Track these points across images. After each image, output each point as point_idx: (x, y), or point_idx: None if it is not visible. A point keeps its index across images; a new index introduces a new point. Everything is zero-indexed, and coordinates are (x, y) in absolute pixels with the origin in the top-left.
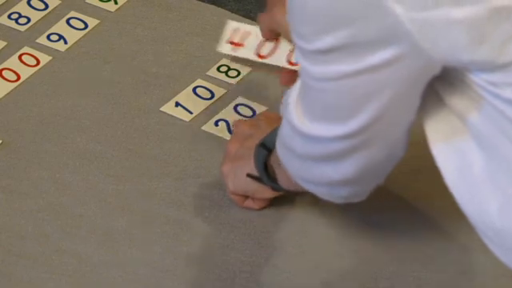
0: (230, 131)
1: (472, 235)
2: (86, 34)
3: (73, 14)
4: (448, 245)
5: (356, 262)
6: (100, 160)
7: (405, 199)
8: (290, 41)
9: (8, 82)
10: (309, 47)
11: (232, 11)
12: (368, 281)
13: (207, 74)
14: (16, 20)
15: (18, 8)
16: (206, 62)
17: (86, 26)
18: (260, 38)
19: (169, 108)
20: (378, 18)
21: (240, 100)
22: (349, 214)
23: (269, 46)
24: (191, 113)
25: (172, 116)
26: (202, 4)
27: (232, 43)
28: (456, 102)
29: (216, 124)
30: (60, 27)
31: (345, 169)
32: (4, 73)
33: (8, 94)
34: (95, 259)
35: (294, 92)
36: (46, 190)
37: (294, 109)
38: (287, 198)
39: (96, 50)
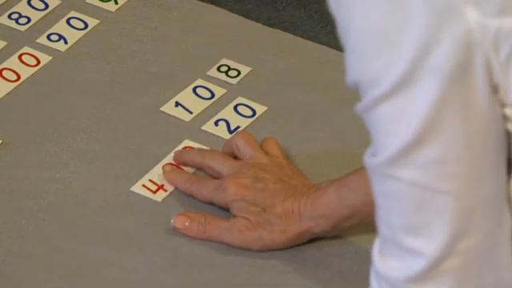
0: (229, 131)
1: None
2: (86, 34)
3: (73, 13)
4: None
5: (356, 262)
6: (100, 160)
7: None
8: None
9: (8, 82)
10: (376, 92)
11: (232, 11)
12: (369, 281)
13: (207, 73)
14: (16, 20)
15: (18, 8)
16: (206, 61)
17: (86, 25)
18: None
19: (169, 108)
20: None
21: (240, 100)
22: None
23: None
24: (191, 113)
25: (172, 116)
26: (202, 4)
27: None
28: None
29: (216, 124)
30: (60, 27)
31: None
32: (4, 73)
33: (8, 93)
34: (95, 259)
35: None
36: (46, 190)
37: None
38: None
39: (96, 49)
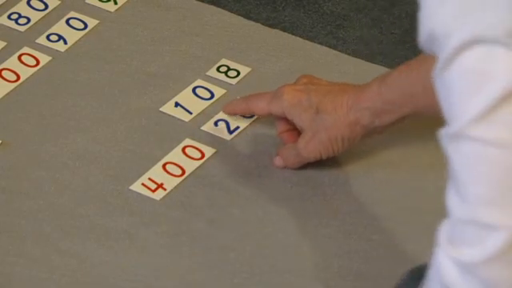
0: (229, 131)
1: None
2: (85, 35)
3: (72, 14)
4: None
5: (356, 262)
6: (100, 160)
7: (406, 200)
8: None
9: (8, 83)
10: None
11: (231, 11)
12: (369, 281)
13: (207, 74)
14: (16, 20)
15: (17, 8)
16: (206, 62)
17: (86, 26)
18: None
19: (168, 108)
20: None
21: None
22: (349, 214)
23: None
24: (191, 113)
25: (172, 116)
26: (202, 4)
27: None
28: None
29: (216, 124)
30: (60, 27)
31: None
32: (4, 73)
33: (8, 94)
34: (95, 259)
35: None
36: (46, 190)
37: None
38: (286, 199)
39: (96, 50)
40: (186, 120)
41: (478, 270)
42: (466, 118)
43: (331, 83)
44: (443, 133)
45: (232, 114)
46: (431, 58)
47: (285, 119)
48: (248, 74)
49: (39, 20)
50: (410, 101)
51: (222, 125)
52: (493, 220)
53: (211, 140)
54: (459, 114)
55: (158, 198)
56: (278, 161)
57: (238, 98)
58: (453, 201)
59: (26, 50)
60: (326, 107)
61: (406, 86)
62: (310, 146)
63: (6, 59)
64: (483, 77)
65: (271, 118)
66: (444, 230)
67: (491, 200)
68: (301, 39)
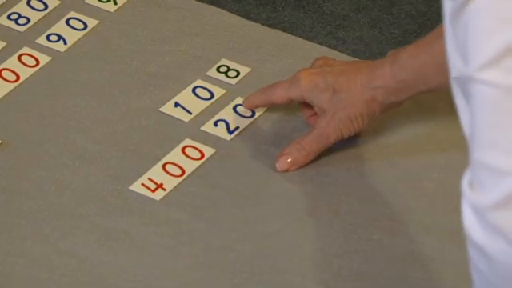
0: (229, 131)
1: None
2: (85, 35)
3: (72, 14)
4: (447, 245)
5: (356, 262)
6: (100, 160)
7: (406, 200)
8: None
9: (7, 83)
10: None
11: (231, 12)
12: (369, 281)
13: (207, 74)
14: (15, 20)
15: (17, 8)
16: (206, 62)
17: (86, 26)
18: None
19: (168, 108)
20: None
21: (240, 100)
22: (349, 214)
23: None
24: (190, 113)
25: (171, 116)
26: (202, 4)
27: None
28: None
29: (215, 124)
30: (59, 27)
31: None
32: (3, 73)
33: (8, 94)
34: (95, 259)
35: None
36: (46, 190)
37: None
38: (286, 198)
39: (96, 50)
40: (186, 120)
41: (489, 215)
42: (477, 62)
43: (345, 62)
44: (454, 78)
45: (252, 107)
46: (439, 40)
47: (309, 104)
48: (248, 74)
49: (39, 20)
50: (422, 79)
51: (221, 125)
52: (500, 165)
53: (211, 140)
54: (471, 57)
55: (157, 198)
56: (282, 163)
57: (257, 91)
58: (472, 144)
59: (25, 50)
60: (341, 87)
61: (417, 67)
62: (331, 126)
63: (6, 59)
64: (500, 16)
65: (271, 117)
66: (466, 176)
67: (497, 146)
68: (301, 39)
